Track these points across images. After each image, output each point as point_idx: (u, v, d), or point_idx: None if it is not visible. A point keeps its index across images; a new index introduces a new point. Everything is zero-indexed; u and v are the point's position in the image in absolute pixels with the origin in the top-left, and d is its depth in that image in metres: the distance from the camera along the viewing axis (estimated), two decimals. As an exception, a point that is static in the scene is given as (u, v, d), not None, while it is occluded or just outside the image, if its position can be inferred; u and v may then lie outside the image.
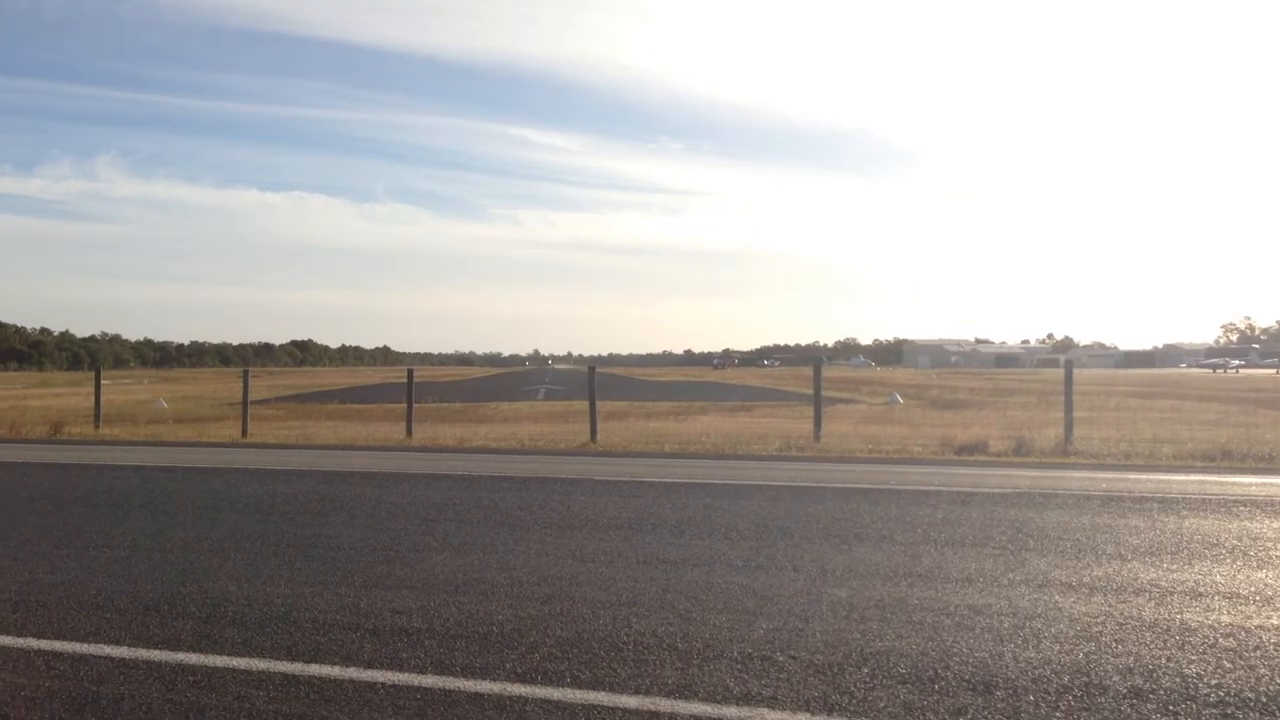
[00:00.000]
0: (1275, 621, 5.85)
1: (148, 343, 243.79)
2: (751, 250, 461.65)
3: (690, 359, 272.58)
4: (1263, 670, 4.94)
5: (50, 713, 4.59)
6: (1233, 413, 28.94)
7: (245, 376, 23.94)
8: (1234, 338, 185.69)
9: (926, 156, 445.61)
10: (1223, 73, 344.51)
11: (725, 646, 5.43)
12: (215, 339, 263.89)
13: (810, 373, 20.42)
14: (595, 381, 21.01)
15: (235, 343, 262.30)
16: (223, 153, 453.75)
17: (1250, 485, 12.08)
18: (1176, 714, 4.38)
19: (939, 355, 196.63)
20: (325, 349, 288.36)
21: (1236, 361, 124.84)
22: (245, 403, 22.85)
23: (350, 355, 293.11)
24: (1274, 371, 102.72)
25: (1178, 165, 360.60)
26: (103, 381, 25.23)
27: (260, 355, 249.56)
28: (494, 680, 4.94)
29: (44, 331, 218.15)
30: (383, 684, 4.91)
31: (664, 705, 4.57)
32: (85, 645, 5.62)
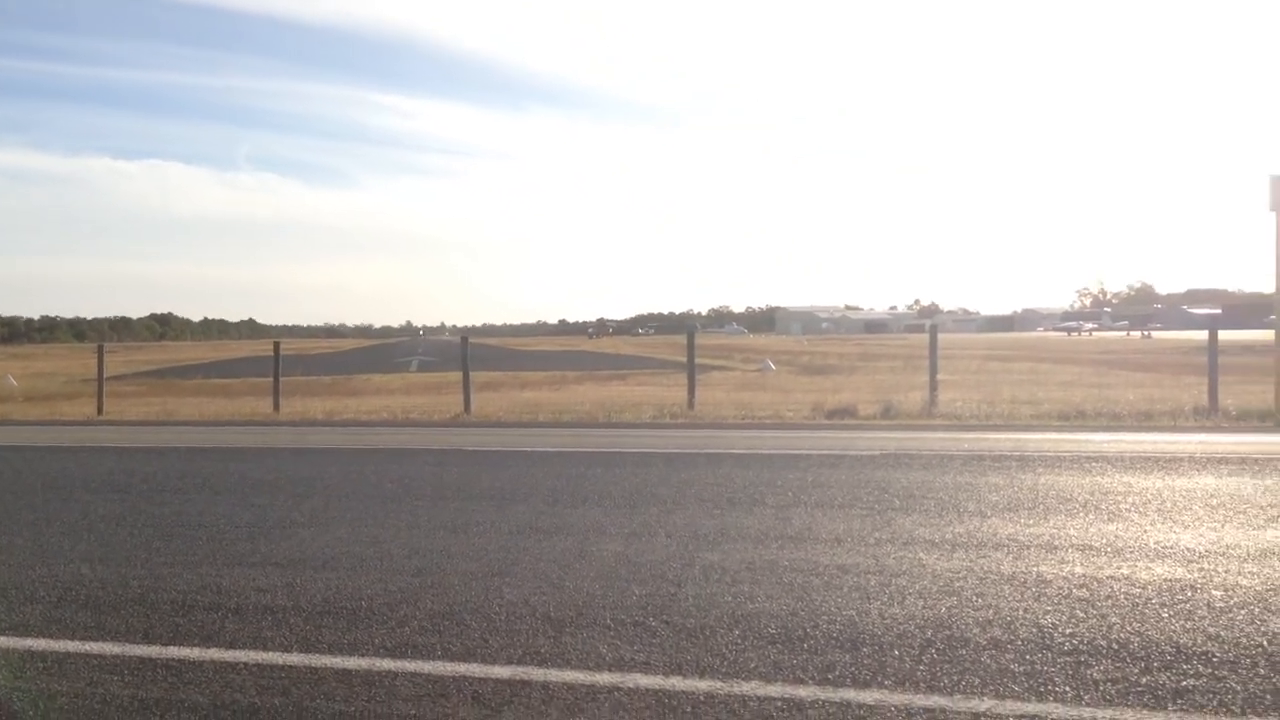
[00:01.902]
0: (1125, 572, 6.11)
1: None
2: (623, 219, 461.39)
3: (565, 329, 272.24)
4: (1114, 619, 5.15)
5: (-117, 708, 4.33)
6: (1086, 374, 30.25)
7: (100, 351, 22.98)
8: (1088, 302, 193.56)
9: (796, 122, 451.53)
10: (1077, 42, 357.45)
11: (598, 613, 5.42)
12: (68, 314, 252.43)
13: (684, 341, 20.57)
14: (469, 352, 20.79)
15: (90, 317, 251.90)
16: (72, 119, 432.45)
17: (1102, 443, 12.60)
18: (1033, 663, 4.53)
19: (810, 322, 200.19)
20: (187, 322, 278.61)
21: (1090, 325, 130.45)
22: (100, 378, 21.96)
23: (214, 329, 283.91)
24: (1125, 334, 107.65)
25: (1035, 136, 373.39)
26: (-55, 359, 23.93)
27: (117, 329, 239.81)
28: (363, 656, 4.83)
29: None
30: (245, 664, 4.76)
31: (536, 674, 4.54)
32: (-77, 635, 5.32)
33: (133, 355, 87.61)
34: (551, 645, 4.93)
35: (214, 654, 4.92)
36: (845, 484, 9.56)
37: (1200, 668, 4.46)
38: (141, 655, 4.92)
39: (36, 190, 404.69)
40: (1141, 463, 10.65)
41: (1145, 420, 15.33)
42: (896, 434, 14.20)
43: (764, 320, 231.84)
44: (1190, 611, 5.27)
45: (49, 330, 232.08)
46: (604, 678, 4.48)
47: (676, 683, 4.41)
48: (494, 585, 6.06)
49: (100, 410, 21.03)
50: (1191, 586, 5.76)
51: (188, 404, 23.90)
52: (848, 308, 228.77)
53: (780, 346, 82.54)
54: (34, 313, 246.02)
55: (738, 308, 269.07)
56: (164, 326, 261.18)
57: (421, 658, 4.80)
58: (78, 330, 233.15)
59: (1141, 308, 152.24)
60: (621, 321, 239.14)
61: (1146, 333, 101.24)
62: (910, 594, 5.69)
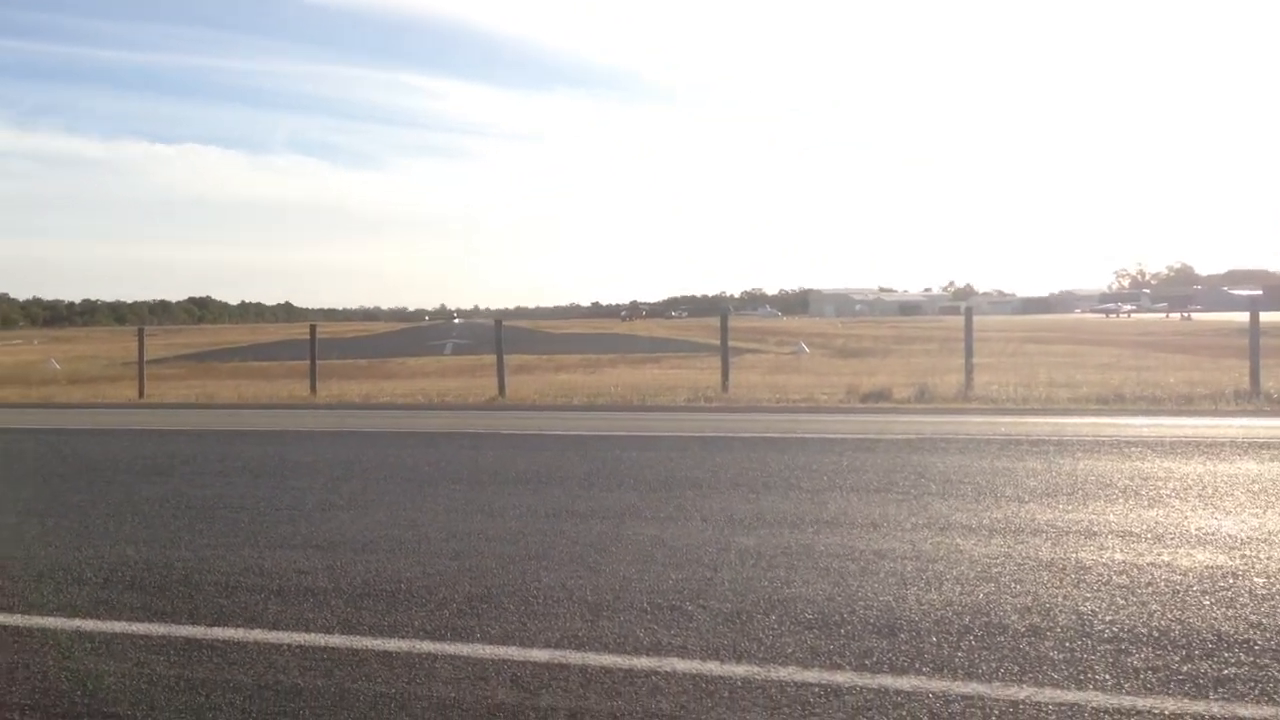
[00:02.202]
0: (1166, 558, 6.06)
1: (36, 301, 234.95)
2: (658, 200, 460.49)
3: (598, 311, 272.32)
4: (1154, 606, 5.12)
5: (-63, 686, 4.43)
6: (1125, 357, 29.93)
7: (141, 335, 23.26)
8: (1126, 283, 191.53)
9: (829, 106, 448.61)
10: (1117, 29, 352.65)
11: (635, 597, 5.44)
12: (109, 297, 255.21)
13: (718, 323, 20.54)
14: (503, 335, 20.87)
15: (130, 300, 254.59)
16: (110, 104, 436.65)
17: (1142, 427, 12.49)
18: (1072, 650, 4.52)
19: (844, 304, 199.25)
20: (225, 306, 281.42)
21: (1129, 307, 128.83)
22: (141, 362, 22.22)
23: (251, 312, 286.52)
24: (1164, 315, 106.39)
25: (1072, 118, 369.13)
26: (-11, 342, 24.29)
27: (156, 313, 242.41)
28: (403, 638, 4.89)
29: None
30: (288, 645, 4.83)
31: (574, 658, 4.57)
32: (-26, 615, 5.43)
33: (172, 339, 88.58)
34: (588, 629, 4.96)
35: (258, 635, 4.99)
36: (881, 468, 9.53)
37: (1242, 656, 4.42)
38: (187, 636, 5.00)
39: (75, 174, 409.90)
40: (1182, 447, 10.55)
41: (1185, 404, 15.16)
42: (932, 418, 14.12)
43: (797, 303, 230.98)
44: (1232, 599, 5.22)
45: (90, 314, 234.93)
46: (641, 662, 4.51)
47: (713, 667, 4.43)
48: (531, 569, 6.10)
49: (141, 393, 21.30)
50: (1233, 573, 5.70)
51: (226, 387, 24.14)
52: (882, 290, 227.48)
53: (814, 329, 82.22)
54: (75, 296, 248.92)
55: (771, 290, 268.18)
56: (202, 310, 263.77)
57: (460, 640, 4.84)
58: (118, 313, 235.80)
59: (1181, 289, 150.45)
60: (654, 304, 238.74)
61: (1186, 314, 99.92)
62: (947, 580, 5.68)
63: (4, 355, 47.37)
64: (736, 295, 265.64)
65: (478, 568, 6.16)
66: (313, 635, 4.96)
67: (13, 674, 4.55)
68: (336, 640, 4.88)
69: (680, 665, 4.46)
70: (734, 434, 12.55)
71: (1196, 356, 28.87)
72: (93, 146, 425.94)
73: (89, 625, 5.20)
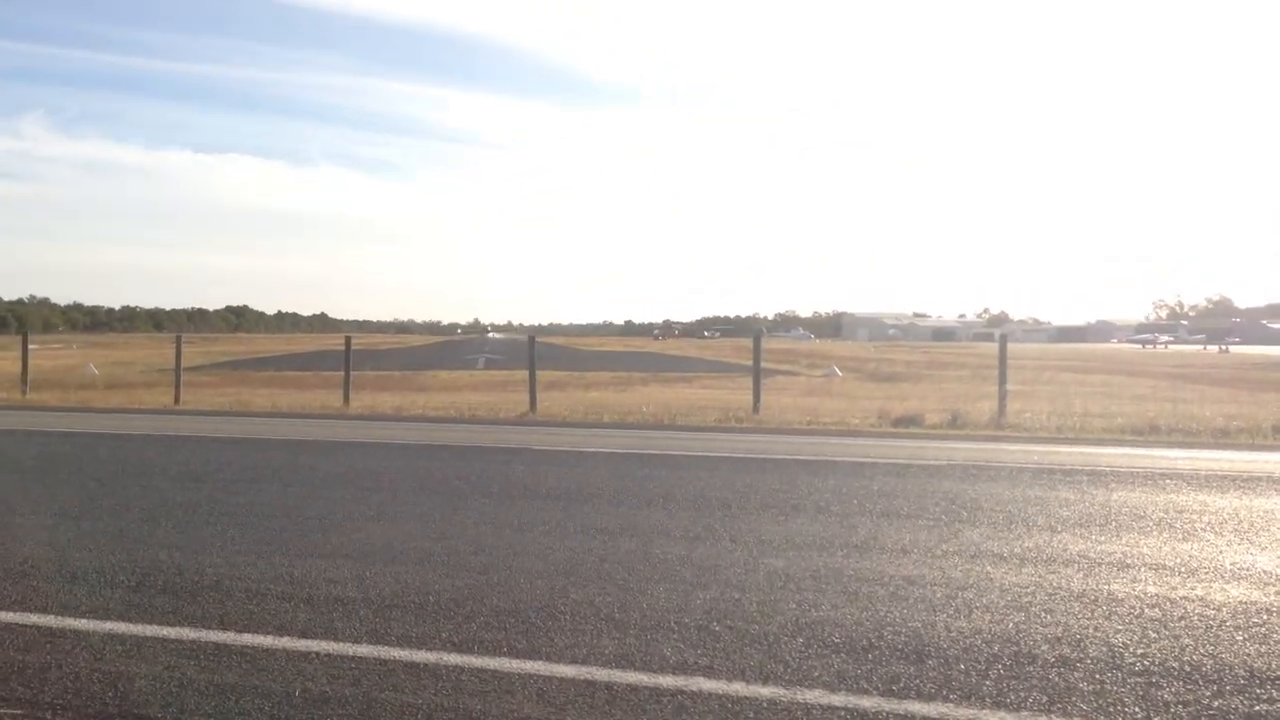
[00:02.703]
0: (1199, 593, 6.00)
1: (77, 307, 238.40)
2: (687, 220, 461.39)
3: (630, 329, 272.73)
4: (1186, 640, 5.06)
5: (-28, 683, 4.49)
6: (1161, 388, 29.61)
7: (178, 342, 23.48)
8: (1164, 314, 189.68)
9: (871, 129, 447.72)
10: (1152, 57, 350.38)
11: (662, 616, 5.44)
12: (148, 304, 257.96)
13: (750, 344, 20.52)
14: (535, 351, 20.95)
15: (168, 308, 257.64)
16: (154, 113, 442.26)
17: (1177, 459, 12.36)
18: (1102, 683, 4.48)
19: (877, 328, 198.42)
20: (261, 315, 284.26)
21: (1165, 338, 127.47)
22: (178, 369, 22.46)
23: (287, 322, 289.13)
24: (1201, 348, 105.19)
25: (1111, 145, 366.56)
26: (30, 346, 24.67)
27: (194, 321, 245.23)
28: (430, 650, 4.91)
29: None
30: (317, 653, 4.86)
31: (600, 675, 4.58)
32: (10, 613, 5.50)
33: (209, 346, 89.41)
34: (616, 646, 4.96)
35: (286, 642, 5.02)
36: (912, 494, 9.49)
37: (1274, 693, 4.37)
38: (217, 641, 5.05)
39: (118, 182, 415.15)
40: (1218, 481, 10.43)
41: (1222, 437, 14.99)
42: (964, 444, 14.04)
43: (830, 325, 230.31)
44: (1266, 635, 5.16)
45: (129, 320, 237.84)
46: (668, 681, 4.51)
47: (740, 688, 4.42)
48: (559, 584, 6.12)
49: (177, 400, 21.52)
50: (1268, 610, 5.64)
51: (261, 395, 24.34)
52: (915, 315, 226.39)
53: (846, 352, 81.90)
54: (115, 303, 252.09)
55: (804, 312, 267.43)
56: (239, 318, 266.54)
57: (488, 654, 4.86)
58: (156, 320, 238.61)
59: (1219, 321, 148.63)
60: (688, 323, 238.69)
61: (1224, 347, 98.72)
62: (977, 608, 5.64)
63: (44, 359, 48.01)
64: (770, 316, 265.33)
65: (506, 582, 6.18)
66: (341, 644, 4.99)
67: (45, 674, 4.61)
68: (364, 650, 4.91)
69: (706, 685, 4.45)
70: (765, 455, 12.52)
71: (1234, 389, 28.52)
72: (136, 154, 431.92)
73: (121, 628, 5.26)
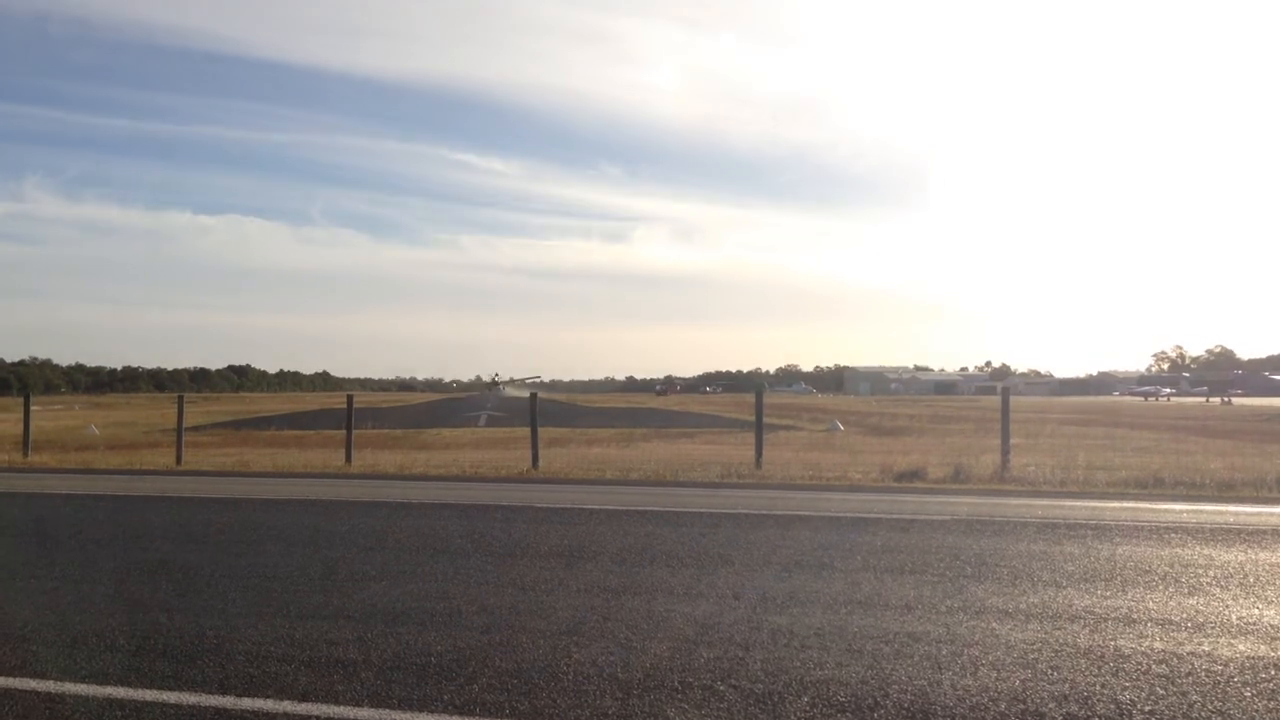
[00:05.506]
0: (1206, 648, 5.95)
1: (79, 368, 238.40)
2: (694, 276, 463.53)
3: (632, 385, 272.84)
4: (1194, 696, 5.02)
5: (-30, 750, 4.46)
6: (1164, 440, 29.54)
7: (180, 402, 23.46)
8: (1165, 366, 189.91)
9: (861, 184, 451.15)
10: (1153, 108, 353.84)
11: (666, 675, 5.40)
12: (150, 364, 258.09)
13: (752, 399, 20.52)
14: (537, 408, 20.95)
15: (170, 368, 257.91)
16: (154, 174, 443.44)
17: (1181, 512, 12.31)
18: (1110, 740, 4.43)
19: (879, 382, 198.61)
20: (263, 374, 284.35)
21: (1168, 390, 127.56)
22: (180, 429, 22.43)
23: (289, 381, 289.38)
24: (1204, 399, 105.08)
25: (1113, 198, 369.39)
26: (32, 407, 24.65)
27: (196, 380, 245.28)
28: (431, 712, 4.87)
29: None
30: (318, 717, 4.83)
31: (604, 736, 4.54)
32: (9, 679, 5.47)
33: (211, 406, 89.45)
34: (619, 708, 4.92)
35: (287, 706, 4.99)
36: (915, 549, 9.44)
37: (1286, 750, 4.33)
38: (217, 705, 5.01)
39: (119, 243, 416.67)
40: (1223, 534, 10.38)
41: (1226, 490, 14.93)
42: (968, 499, 13.98)
43: (832, 380, 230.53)
44: (1274, 691, 5.12)
45: (131, 380, 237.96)
46: (671, 742, 4.46)
47: (744, 749, 4.38)
48: (562, 645, 6.08)
49: (179, 460, 21.48)
50: (1275, 665, 5.59)
51: (263, 455, 24.31)
52: (917, 368, 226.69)
53: (848, 406, 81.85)
54: (117, 363, 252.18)
55: (806, 366, 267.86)
56: (240, 378, 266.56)
57: (490, 716, 4.82)
58: (158, 380, 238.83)
59: (1221, 373, 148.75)
60: (689, 379, 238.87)
61: (1227, 398, 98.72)
62: (983, 665, 5.60)
63: (45, 420, 48.03)
64: (772, 371, 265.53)
65: (509, 642, 6.15)
66: (342, 707, 4.96)
67: (45, 740, 4.57)
68: (366, 713, 4.88)
69: (710, 746, 4.41)
70: (767, 511, 12.48)
71: (1238, 441, 28.46)
72: (138, 216, 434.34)
73: (120, 693, 5.22)
